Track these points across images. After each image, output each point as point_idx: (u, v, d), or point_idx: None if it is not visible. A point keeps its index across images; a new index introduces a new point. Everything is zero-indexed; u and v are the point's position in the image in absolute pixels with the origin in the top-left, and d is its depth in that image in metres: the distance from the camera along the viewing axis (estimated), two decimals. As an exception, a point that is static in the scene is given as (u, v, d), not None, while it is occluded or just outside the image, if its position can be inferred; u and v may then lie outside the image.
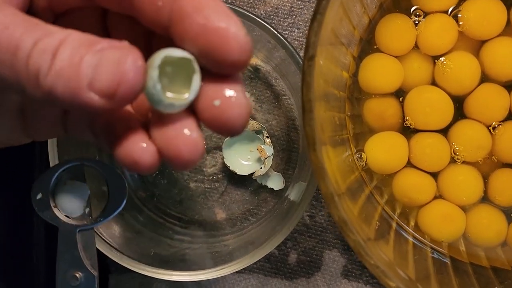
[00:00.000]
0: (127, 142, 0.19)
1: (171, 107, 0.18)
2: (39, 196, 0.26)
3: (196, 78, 0.18)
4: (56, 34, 0.17)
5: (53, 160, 0.34)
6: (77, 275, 0.27)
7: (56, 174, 0.27)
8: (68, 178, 0.28)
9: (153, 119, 0.20)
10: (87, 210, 0.28)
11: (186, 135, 0.18)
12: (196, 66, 0.18)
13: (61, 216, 0.27)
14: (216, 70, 0.18)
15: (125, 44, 0.18)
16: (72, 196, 0.28)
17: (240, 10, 0.35)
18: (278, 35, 0.35)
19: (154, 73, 0.18)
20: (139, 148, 0.19)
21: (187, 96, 0.18)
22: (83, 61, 0.17)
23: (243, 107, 0.18)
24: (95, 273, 0.27)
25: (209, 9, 0.18)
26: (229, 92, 0.18)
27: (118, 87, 0.17)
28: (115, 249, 0.35)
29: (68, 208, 0.27)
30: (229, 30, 0.17)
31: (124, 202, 0.27)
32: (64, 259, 0.27)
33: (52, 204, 0.27)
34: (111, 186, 0.27)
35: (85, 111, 0.18)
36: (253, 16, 0.35)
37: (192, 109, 0.19)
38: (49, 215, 0.27)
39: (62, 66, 0.17)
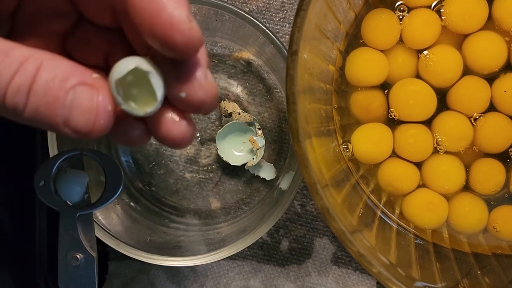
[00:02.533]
0: (119, 123, 0.21)
1: (145, 113, 0.20)
2: (41, 183, 0.28)
3: (154, 77, 0.19)
4: (28, 67, 0.18)
5: (52, 151, 0.36)
6: (78, 256, 0.29)
7: (57, 163, 0.29)
8: (68, 167, 0.29)
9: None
10: (86, 196, 0.30)
11: (175, 121, 0.21)
12: (147, 67, 0.19)
13: (62, 201, 0.29)
14: (172, 56, 0.19)
15: (95, 80, 0.19)
16: (72, 183, 0.30)
17: (231, 7, 0.36)
18: (267, 31, 0.36)
19: (115, 95, 0.19)
20: (130, 126, 0.22)
21: (158, 97, 0.20)
22: (58, 101, 0.18)
23: (208, 92, 0.20)
24: (94, 254, 0.29)
25: None
26: (191, 82, 0.20)
27: (92, 129, 0.19)
28: (114, 237, 0.37)
29: (68, 194, 0.29)
30: (171, 18, 0.18)
31: (120, 189, 0.29)
32: (64, 242, 0.29)
33: (53, 190, 0.28)
34: (108, 174, 0.29)
35: None
36: (243, 12, 0.36)
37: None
38: (51, 200, 0.28)
39: (38, 105, 0.18)
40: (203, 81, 0.20)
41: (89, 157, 0.29)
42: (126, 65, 0.19)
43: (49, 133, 0.36)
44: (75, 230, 0.29)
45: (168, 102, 0.21)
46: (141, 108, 0.20)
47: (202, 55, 0.20)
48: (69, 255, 0.29)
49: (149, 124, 0.22)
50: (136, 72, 0.19)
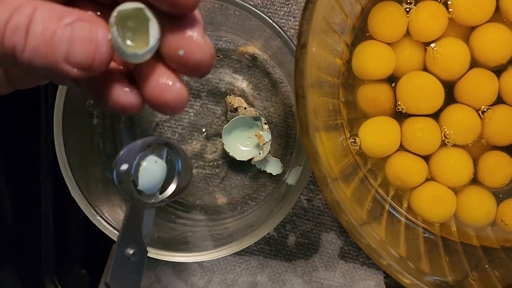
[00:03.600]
0: (111, 90, 0.21)
1: (135, 56, 0.20)
2: (124, 167, 0.25)
3: (153, 25, 0.20)
4: (24, 10, 0.18)
5: (59, 146, 0.36)
6: (135, 250, 0.27)
7: (141, 150, 0.26)
8: (151, 156, 0.27)
9: (136, 72, 0.22)
10: (159, 189, 0.28)
11: (168, 85, 0.21)
12: (149, 14, 0.20)
13: (137, 191, 0.26)
14: (169, 11, 0.20)
15: (91, 16, 0.20)
16: (153, 173, 0.27)
17: (236, 0, 0.36)
18: (274, 24, 0.36)
19: (113, 29, 0.20)
20: (123, 92, 0.21)
21: (150, 43, 0.20)
22: (56, 37, 0.18)
23: (205, 51, 0.20)
24: (147, 250, 0.27)
25: None
26: (190, 40, 0.20)
27: (93, 61, 0.19)
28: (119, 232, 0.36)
29: (147, 185, 0.27)
30: None
31: (187, 186, 0.28)
32: (127, 234, 0.27)
33: (131, 178, 0.26)
34: (182, 169, 0.28)
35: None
36: (249, 6, 0.36)
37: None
38: (127, 188, 0.26)
39: (36, 44, 0.18)
40: (201, 40, 0.20)
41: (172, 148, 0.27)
42: (132, 3, 0.20)
43: (55, 119, 0.35)
44: (140, 223, 0.27)
45: (162, 64, 0.21)
46: (134, 48, 0.20)
47: (197, 16, 0.21)
48: (128, 248, 0.26)
49: (142, 87, 0.22)
50: (136, 18, 0.20)
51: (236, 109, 0.41)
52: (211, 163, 0.43)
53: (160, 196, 0.28)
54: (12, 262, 0.43)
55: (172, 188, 0.28)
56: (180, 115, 0.43)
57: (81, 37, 0.19)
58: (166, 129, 0.43)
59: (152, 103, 0.22)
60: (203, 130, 0.43)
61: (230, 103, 0.41)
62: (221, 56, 0.42)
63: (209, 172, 0.43)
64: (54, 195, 0.43)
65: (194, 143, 0.43)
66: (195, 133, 0.43)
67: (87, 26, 0.19)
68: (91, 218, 0.36)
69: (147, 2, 0.20)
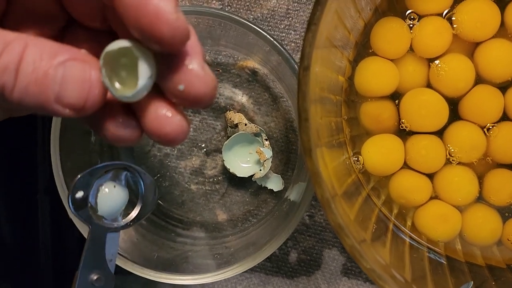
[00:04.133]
0: (108, 122, 0.21)
1: (126, 98, 0.19)
2: (79, 194, 0.25)
3: (143, 64, 0.19)
4: (15, 47, 0.18)
5: (55, 165, 0.35)
6: (100, 276, 0.27)
7: (99, 175, 0.26)
8: (109, 180, 0.27)
9: (134, 103, 0.21)
10: (121, 214, 0.28)
11: (168, 117, 0.20)
12: (139, 52, 0.19)
13: (97, 216, 0.26)
14: (160, 50, 0.19)
15: (84, 55, 0.19)
16: (112, 199, 0.27)
17: (233, 16, 0.35)
18: (274, 41, 0.35)
19: (101, 71, 0.19)
20: (120, 124, 0.21)
21: (138, 85, 0.19)
22: (48, 76, 0.18)
23: (207, 83, 0.19)
24: (113, 274, 0.27)
25: None
26: (189, 73, 0.19)
27: (86, 102, 0.19)
28: (120, 254, 0.36)
29: (107, 210, 0.27)
30: (156, 9, 0.17)
31: (154, 207, 0.28)
32: (89, 260, 0.27)
33: (91, 204, 0.26)
34: (145, 191, 0.28)
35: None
36: (247, 22, 0.35)
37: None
38: (84, 214, 0.26)
39: (27, 83, 0.18)
40: (201, 72, 0.20)
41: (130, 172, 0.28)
42: (120, 42, 0.19)
43: (52, 138, 0.35)
44: (103, 248, 0.27)
45: (162, 96, 0.20)
46: (122, 91, 0.19)
47: (195, 47, 0.20)
48: (92, 274, 0.26)
49: (141, 118, 0.21)
50: (130, 56, 0.19)
51: (236, 125, 0.40)
52: (211, 179, 0.42)
53: (123, 220, 0.28)
54: (11, 280, 0.43)
55: (135, 211, 0.28)
56: (179, 131, 0.42)
57: (73, 78, 0.18)
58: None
59: (151, 135, 0.21)
60: (203, 145, 0.42)
61: (230, 119, 0.40)
62: (220, 71, 0.42)
63: (209, 188, 0.42)
64: (51, 213, 0.42)
65: (193, 159, 0.42)
66: (194, 148, 0.42)
67: (80, 66, 0.18)
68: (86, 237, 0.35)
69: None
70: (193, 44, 0.20)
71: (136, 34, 0.18)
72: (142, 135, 0.22)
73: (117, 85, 0.19)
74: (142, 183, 0.27)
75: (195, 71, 0.19)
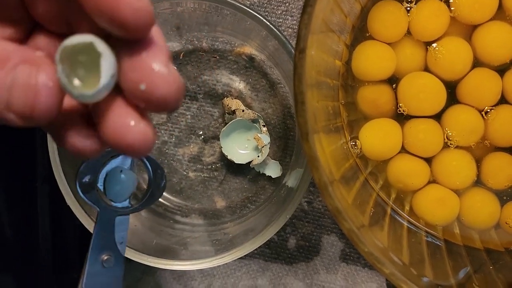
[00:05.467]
0: (66, 134, 0.19)
1: (85, 97, 0.17)
2: (86, 178, 0.27)
3: (105, 60, 0.17)
4: None
5: (53, 153, 0.35)
6: (110, 257, 0.28)
7: (107, 160, 0.28)
8: (118, 166, 0.28)
9: (93, 110, 0.19)
10: (130, 197, 0.29)
11: (130, 125, 0.18)
12: (101, 47, 0.17)
13: (105, 200, 0.28)
14: (122, 34, 0.17)
15: (37, 58, 0.18)
16: (120, 183, 0.29)
17: (231, 1, 0.35)
18: (271, 25, 0.35)
19: (58, 68, 0.17)
20: (79, 137, 0.19)
21: (100, 83, 0.17)
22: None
23: (170, 83, 0.18)
24: (123, 256, 0.28)
25: None
26: (151, 72, 0.17)
27: (33, 110, 0.17)
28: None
29: (115, 194, 0.28)
30: None
31: (163, 193, 0.29)
32: (98, 242, 0.28)
33: (100, 188, 0.27)
34: (154, 177, 0.28)
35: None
36: (244, 7, 0.35)
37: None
38: (92, 198, 0.27)
39: None
40: (164, 71, 0.18)
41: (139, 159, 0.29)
42: (80, 37, 0.17)
43: (49, 143, 0.35)
44: (112, 230, 0.28)
45: (124, 101, 0.19)
46: (82, 88, 0.17)
47: (159, 43, 0.18)
48: (101, 255, 0.28)
49: (100, 127, 0.19)
50: (90, 51, 0.17)
51: (233, 112, 0.40)
52: (209, 166, 0.42)
53: (131, 203, 0.29)
54: (10, 269, 0.43)
55: (144, 195, 0.30)
56: (177, 118, 0.42)
57: (20, 83, 0.17)
58: (163, 132, 0.42)
59: (112, 145, 0.19)
60: (201, 132, 0.42)
61: (227, 105, 0.40)
62: (217, 57, 0.41)
63: (207, 175, 0.42)
64: (50, 202, 0.42)
65: (191, 146, 0.42)
66: (192, 136, 0.42)
67: (28, 70, 0.17)
68: (86, 226, 0.35)
69: (100, 31, 0.18)
70: (157, 41, 0.18)
71: (97, 19, 0.17)
72: (105, 147, 0.20)
73: (76, 81, 0.18)
74: (150, 168, 0.28)
75: (158, 69, 0.18)
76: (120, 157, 0.28)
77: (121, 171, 0.28)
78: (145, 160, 0.28)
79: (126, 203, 0.29)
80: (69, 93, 0.17)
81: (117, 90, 0.19)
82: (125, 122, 0.18)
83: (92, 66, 0.18)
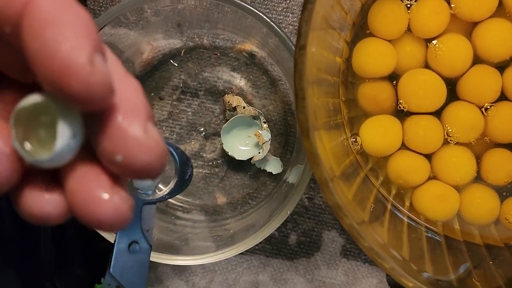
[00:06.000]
0: (23, 194, 0.16)
1: (41, 162, 0.15)
2: None
3: (64, 123, 0.15)
4: None
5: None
6: (136, 244, 0.29)
7: None
8: None
9: (63, 175, 0.16)
10: (156, 186, 0.30)
11: (103, 200, 0.15)
12: (57, 107, 0.15)
13: (132, 188, 0.28)
14: (81, 108, 0.15)
15: None
16: None
17: (233, -1, 0.35)
18: (271, 23, 0.35)
19: (12, 132, 0.15)
20: (39, 198, 0.16)
21: (56, 146, 0.15)
22: None
23: (151, 150, 0.15)
24: (151, 244, 0.29)
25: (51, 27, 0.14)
26: (127, 139, 0.15)
27: None
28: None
29: (142, 183, 0.29)
30: (65, 61, 0.14)
31: (189, 183, 0.30)
32: (126, 230, 0.29)
33: None
34: (180, 167, 0.29)
35: None
36: (245, 4, 0.35)
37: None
38: None
39: None
40: (142, 138, 0.15)
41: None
42: (34, 97, 0.15)
43: None
44: (139, 219, 0.29)
45: (95, 166, 0.16)
46: (35, 153, 0.15)
47: (137, 102, 0.16)
48: (129, 242, 0.29)
49: (67, 196, 0.16)
50: (52, 114, 0.15)
51: (234, 108, 0.40)
52: (210, 163, 0.42)
53: (159, 193, 0.30)
54: (12, 265, 0.43)
55: (170, 185, 0.30)
56: (178, 115, 0.42)
57: None
58: (164, 128, 0.42)
59: (79, 218, 0.16)
60: (202, 129, 0.42)
61: (228, 102, 0.40)
62: (218, 55, 0.42)
63: (208, 171, 0.42)
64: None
65: (192, 142, 0.42)
66: (193, 132, 0.42)
67: None
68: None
69: None
70: (131, 98, 0.16)
71: (47, 87, 0.15)
72: (69, 214, 0.17)
73: (27, 145, 0.15)
74: (177, 158, 0.29)
75: (135, 136, 0.15)
76: None
77: None
78: (172, 150, 0.29)
79: (152, 193, 0.30)
80: (24, 159, 0.15)
81: (90, 151, 0.16)
82: (95, 195, 0.15)
83: (54, 127, 0.15)
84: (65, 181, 0.16)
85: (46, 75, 0.14)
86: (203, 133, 0.42)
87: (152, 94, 0.42)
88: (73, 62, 0.14)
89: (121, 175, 0.16)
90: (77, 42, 0.14)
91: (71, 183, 0.16)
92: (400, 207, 0.36)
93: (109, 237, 0.36)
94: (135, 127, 0.15)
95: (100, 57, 0.15)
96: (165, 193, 0.30)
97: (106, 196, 0.15)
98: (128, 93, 0.16)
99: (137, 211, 0.29)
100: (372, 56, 0.35)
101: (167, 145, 0.29)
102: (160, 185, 0.30)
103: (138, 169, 0.15)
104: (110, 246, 0.42)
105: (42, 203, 0.16)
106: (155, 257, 0.35)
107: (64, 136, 0.15)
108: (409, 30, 0.35)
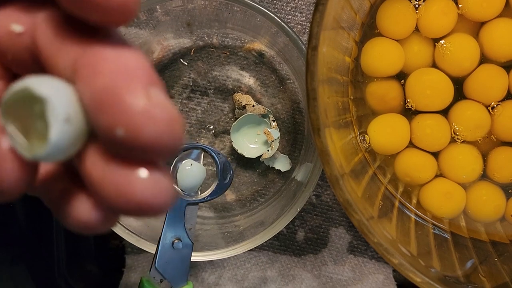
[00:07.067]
0: (67, 204, 0.15)
1: (39, 157, 0.13)
2: None
3: (51, 103, 0.13)
4: None
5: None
6: (180, 241, 0.32)
7: (180, 153, 0.31)
8: (188, 159, 0.32)
9: (81, 168, 0.14)
10: (199, 188, 0.33)
11: (141, 178, 0.13)
12: (42, 90, 0.13)
13: (177, 189, 0.31)
14: (94, 18, 0.13)
15: None
16: (192, 174, 0.32)
17: (243, -1, 0.35)
18: (281, 22, 0.36)
19: (6, 127, 0.14)
20: (83, 206, 0.14)
21: (50, 136, 0.13)
22: None
23: (158, 120, 0.12)
24: (192, 241, 0.32)
25: None
26: (128, 110, 0.12)
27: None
28: (132, 232, 0.37)
29: (186, 185, 0.32)
30: None
31: (229, 185, 0.33)
32: (170, 227, 0.31)
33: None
34: (222, 171, 0.32)
35: None
36: (255, 4, 0.35)
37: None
38: None
39: None
40: (144, 104, 0.12)
41: (207, 153, 0.33)
42: (18, 84, 0.13)
43: None
44: (182, 217, 0.31)
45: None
46: (29, 147, 0.14)
47: (136, 67, 0.13)
48: (172, 239, 0.31)
49: (99, 190, 0.13)
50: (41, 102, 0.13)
51: (244, 107, 0.41)
52: (220, 160, 0.43)
53: (201, 194, 0.33)
54: (24, 261, 0.44)
55: (212, 187, 0.33)
56: (188, 113, 0.43)
57: None
58: (174, 127, 0.43)
59: (116, 209, 0.13)
60: (211, 127, 0.43)
61: (238, 100, 0.41)
62: (227, 53, 0.42)
63: (218, 169, 0.43)
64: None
65: (202, 140, 0.43)
66: (203, 130, 0.43)
67: None
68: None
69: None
70: (130, 64, 0.13)
71: (65, 3, 0.13)
72: (118, 216, 0.15)
73: (20, 139, 0.14)
74: (218, 162, 0.32)
75: (133, 103, 0.12)
76: (191, 151, 0.32)
77: (191, 164, 0.31)
78: (214, 155, 0.32)
79: (195, 194, 0.32)
80: (24, 157, 0.14)
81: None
82: (130, 174, 0.13)
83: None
84: (86, 174, 0.14)
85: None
86: (213, 131, 0.43)
87: (162, 92, 0.42)
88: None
89: (128, 155, 0.13)
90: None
91: (94, 172, 0.13)
92: (408, 204, 0.37)
93: (122, 234, 0.36)
94: (132, 91, 0.12)
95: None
96: (207, 194, 0.32)
97: (144, 173, 0.13)
98: (123, 56, 0.13)
99: (181, 210, 0.31)
100: (381, 56, 0.35)
101: (209, 150, 0.31)
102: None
103: (145, 144, 0.12)
104: (122, 242, 0.43)
105: (87, 207, 0.14)
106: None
107: (57, 123, 0.13)
108: (417, 30, 0.35)
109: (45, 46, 0.14)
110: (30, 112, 0.13)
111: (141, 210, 0.13)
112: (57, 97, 0.13)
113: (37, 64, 0.15)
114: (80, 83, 0.13)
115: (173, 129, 0.13)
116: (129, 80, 0.13)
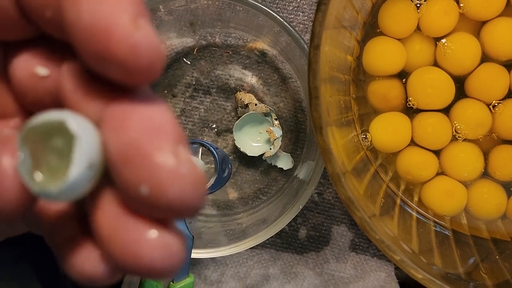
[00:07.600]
0: (71, 252, 0.14)
1: (50, 195, 0.13)
2: None
3: (80, 144, 0.12)
4: None
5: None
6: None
7: None
8: None
9: (90, 218, 0.14)
10: None
11: (150, 239, 0.12)
12: (75, 127, 0.12)
13: None
14: (124, 81, 0.13)
15: (6, 136, 0.14)
16: None
17: (246, -2, 0.36)
18: (283, 21, 0.36)
19: (19, 155, 0.13)
20: (89, 257, 0.14)
21: (70, 176, 0.12)
22: None
23: (184, 180, 0.12)
24: (193, 235, 0.31)
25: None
26: (156, 168, 0.12)
27: None
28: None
29: None
30: (107, 22, 0.12)
31: (229, 179, 0.33)
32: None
33: None
34: (220, 165, 0.32)
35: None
36: (257, 3, 0.36)
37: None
38: None
39: None
40: (172, 163, 0.12)
41: (206, 148, 0.33)
42: (48, 114, 0.13)
43: None
44: None
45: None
46: (43, 183, 0.13)
47: (165, 123, 0.13)
48: None
49: (106, 245, 0.13)
50: (67, 137, 0.13)
51: (246, 105, 0.41)
52: (222, 159, 0.43)
53: None
54: (28, 258, 0.44)
55: (211, 182, 0.32)
56: (190, 112, 0.43)
57: None
58: (177, 125, 0.43)
59: (123, 268, 0.13)
60: (214, 126, 0.43)
61: (240, 99, 0.41)
62: (230, 53, 0.42)
63: (220, 167, 0.43)
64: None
65: (205, 139, 0.43)
66: (205, 129, 0.43)
67: None
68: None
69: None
70: (162, 120, 0.13)
71: (90, 63, 0.13)
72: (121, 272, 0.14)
73: (38, 175, 0.13)
74: (217, 157, 0.30)
75: (160, 161, 0.12)
76: (189, 146, 0.31)
77: None
78: (212, 149, 0.31)
79: None
80: (30, 189, 0.13)
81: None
82: (139, 234, 0.13)
83: (68, 153, 0.13)
84: (96, 225, 0.13)
85: (87, 44, 0.12)
86: (215, 129, 0.43)
87: (165, 91, 0.43)
88: (114, 22, 0.12)
89: (150, 213, 0.13)
90: (118, 4, 0.12)
91: (104, 225, 0.13)
92: (409, 202, 0.37)
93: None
94: (161, 149, 0.12)
95: (144, 19, 0.13)
96: (206, 188, 0.32)
97: (153, 234, 0.13)
98: (151, 112, 0.13)
99: None
100: (382, 55, 0.36)
101: (207, 145, 0.30)
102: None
103: (168, 204, 0.12)
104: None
105: (93, 259, 0.13)
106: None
107: (80, 165, 0.12)
108: (418, 29, 0.35)
109: (70, 94, 0.14)
110: (46, 144, 0.13)
111: (147, 272, 0.13)
112: (87, 139, 0.12)
113: (57, 107, 0.14)
114: (106, 133, 0.13)
115: (197, 188, 0.12)
116: (157, 136, 0.12)
